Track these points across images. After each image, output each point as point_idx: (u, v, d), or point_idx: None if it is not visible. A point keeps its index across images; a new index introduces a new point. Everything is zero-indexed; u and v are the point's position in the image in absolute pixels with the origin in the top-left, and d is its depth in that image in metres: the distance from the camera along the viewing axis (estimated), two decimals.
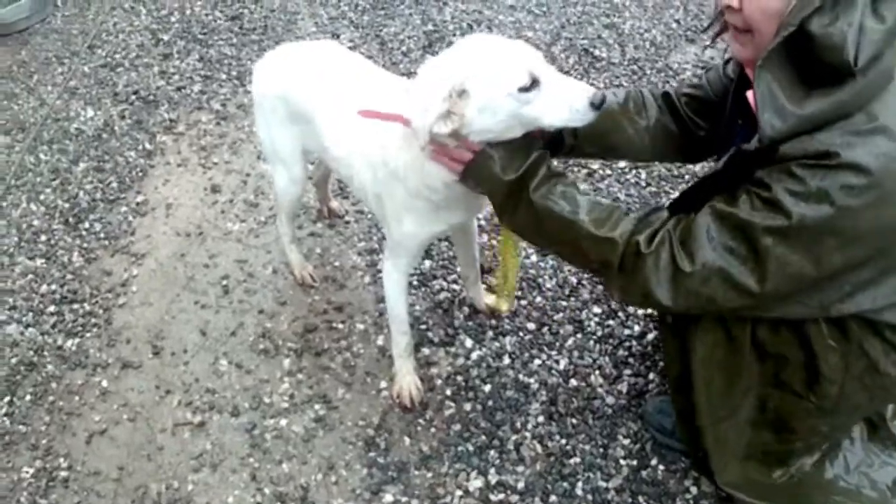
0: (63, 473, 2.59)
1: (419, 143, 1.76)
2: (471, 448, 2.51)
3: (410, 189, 2.02)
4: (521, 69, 1.67)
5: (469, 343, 2.84)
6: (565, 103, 1.69)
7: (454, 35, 4.68)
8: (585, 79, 4.10)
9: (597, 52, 4.46)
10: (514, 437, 2.53)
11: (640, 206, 3.37)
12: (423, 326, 2.90)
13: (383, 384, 2.72)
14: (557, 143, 2.11)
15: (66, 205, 3.70)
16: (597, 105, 1.68)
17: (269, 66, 2.58)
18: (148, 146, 4.03)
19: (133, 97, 4.44)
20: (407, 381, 2.62)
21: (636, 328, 2.87)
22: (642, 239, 1.65)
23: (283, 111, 2.51)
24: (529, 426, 2.56)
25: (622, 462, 2.43)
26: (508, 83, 1.67)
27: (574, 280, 3.08)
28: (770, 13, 1.51)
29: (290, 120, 2.51)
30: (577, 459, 2.46)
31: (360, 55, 2.56)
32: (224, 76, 4.56)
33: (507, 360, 2.78)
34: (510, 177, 1.77)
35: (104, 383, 2.84)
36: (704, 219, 1.62)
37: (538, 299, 3.00)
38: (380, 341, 2.88)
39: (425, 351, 2.82)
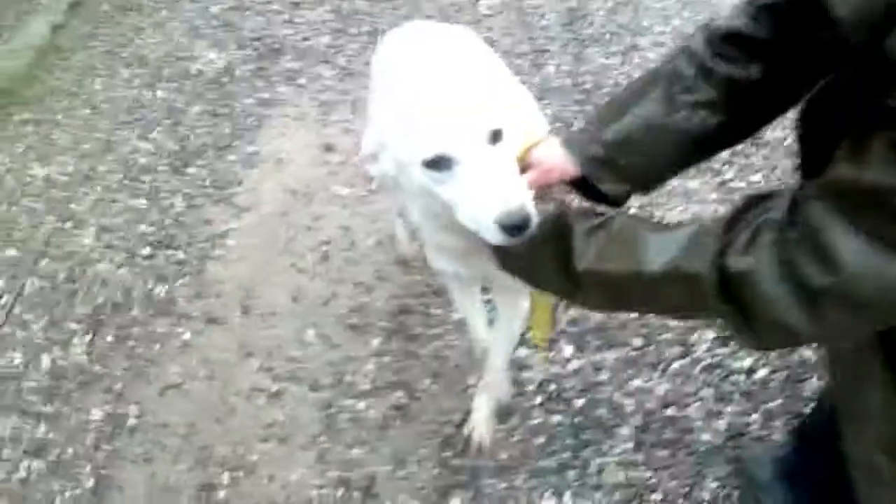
0: (132, 421, 2.73)
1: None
2: (551, 464, 2.47)
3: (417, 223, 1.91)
4: (431, 140, 1.42)
5: (569, 351, 2.80)
6: (474, 210, 1.40)
7: (598, 12, 4.59)
8: None
9: None
10: (597, 461, 2.48)
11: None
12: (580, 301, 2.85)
13: (471, 381, 2.71)
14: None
15: (176, 147, 3.89)
16: (508, 228, 1.34)
17: (388, 42, 2.61)
18: (266, 96, 4.17)
19: (257, 43, 4.61)
20: (474, 419, 2.57)
21: (747, 362, 2.73)
22: (733, 251, 1.17)
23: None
24: (616, 451, 2.50)
25: None
26: (413, 153, 1.45)
27: None
28: None
29: None
30: (659, 496, 2.39)
31: (490, 51, 2.52)
32: (354, 31, 4.66)
33: (605, 376, 2.72)
34: (543, 252, 1.45)
35: (187, 336, 2.98)
36: (824, 196, 1.10)
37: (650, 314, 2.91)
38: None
39: (521, 352, 2.78)
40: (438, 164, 1.41)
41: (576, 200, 1.66)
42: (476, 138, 1.41)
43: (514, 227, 1.34)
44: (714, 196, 3.26)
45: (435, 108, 1.47)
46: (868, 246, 1.02)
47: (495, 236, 1.37)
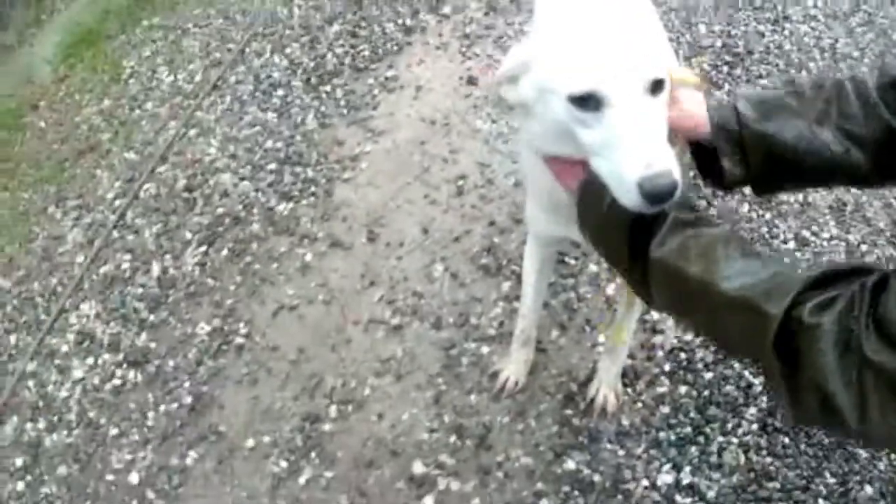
0: (239, 340, 2.68)
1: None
2: (672, 437, 2.36)
3: (527, 169, 1.84)
4: (584, 74, 1.30)
5: None
6: (615, 163, 1.29)
7: None
8: (879, 62, 3.64)
9: (895, 37, 3.95)
10: (720, 439, 2.35)
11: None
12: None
13: (601, 339, 2.58)
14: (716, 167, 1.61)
15: (312, 63, 3.83)
16: (649, 195, 1.24)
17: None
18: (409, 22, 4.08)
19: None
20: (510, 369, 2.49)
21: None
22: (810, 306, 1.12)
23: None
24: (740, 432, 2.37)
25: (821, 502, 2.23)
26: (561, 82, 1.33)
27: None
28: None
29: None
30: (777, 485, 2.25)
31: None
32: None
33: None
34: (622, 218, 1.35)
35: (308, 257, 2.91)
36: None
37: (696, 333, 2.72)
38: (610, 290, 2.73)
39: (654, 315, 2.64)
40: (587, 102, 1.29)
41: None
42: (636, 83, 1.30)
43: (657, 193, 1.23)
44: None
45: (598, 39, 1.34)
46: None
47: (633, 200, 1.26)
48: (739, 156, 1.53)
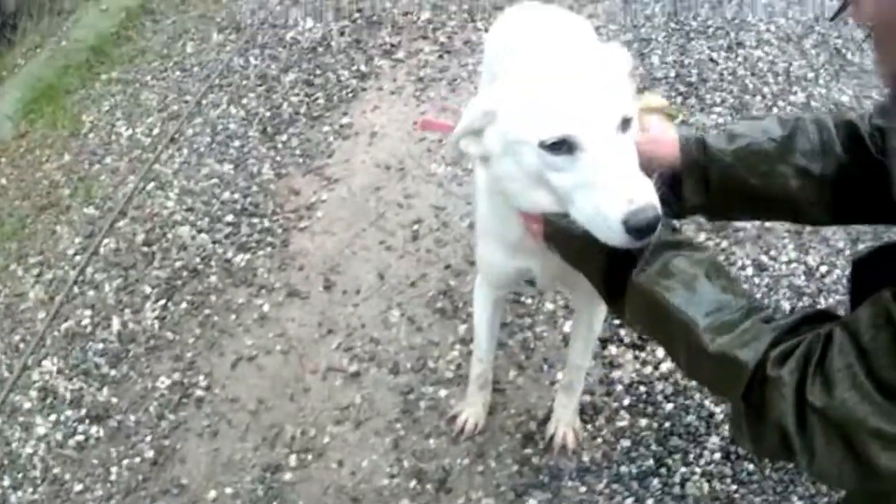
0: (199, 392, 2.69)
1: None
2: (634, 471, 2.36)
3: (484, 213, 1.84)
4: (554, 121, 1.29)
5: (662, 352, 2.64)
6: (595, 205, 1.27)
7: (702, 6, 4.43)
8: (834, 83, 3.72)
9: (849, 56, 4.05)
10: (682, 470, 2.35)
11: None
12: (617, 321, 2.74)
13: (559, 376, 2.58)
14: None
15: (268, 113, 3.87)
16: (634, 230, 1.22)
17: (509, 20, 2.53)
18: (363, 68, 4.13)
19: (357, 15, 4.58)
20: (469, 411, 2.48)
21: None
22: (773, 357, 1.18)
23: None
24: (702, 461, 2.37)
25: None
26: (531, 130, 1.32)
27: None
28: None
29: None
30: None
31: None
32: (455, 8, 4.57)
33: None
34: (598, 250, 1.34)
35: (265, 307, 2.92)
36: (849, 326, 1.14)
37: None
38: (566, 328, 2.74)
39: (612, 350, 2.67)
40: (559, 147, 1.29)
41: None
42: (606, 123, 1.30)
43: (642, 228, 1.22)
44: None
45: (562, 84, 1.34)
46: (858, 388, 1.09)
47: (618, 238, 1.25)
48: (703, 185, 1.57)
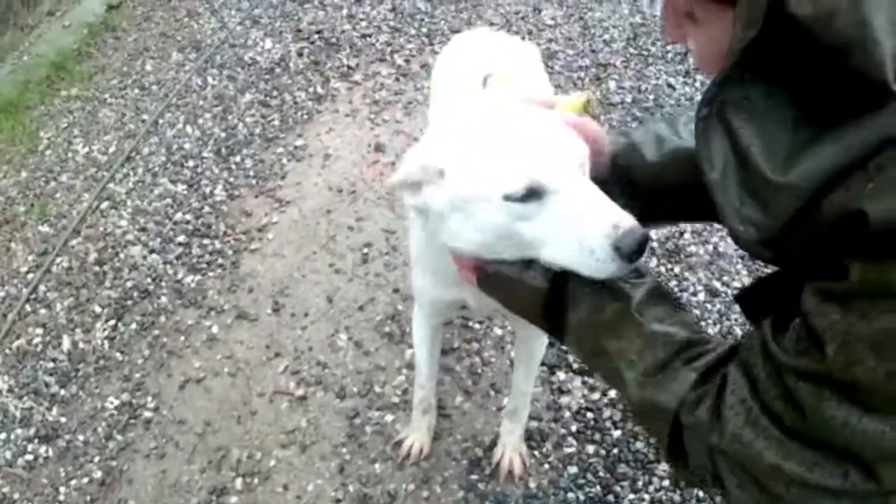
0: (147, 414, 2.67)
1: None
2: (581, 498, 2.37)
3: (417, 244, 1.83)
4: (518, 169, 1.24)
5: None
6: (577, 241, 1.21)
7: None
8: None
9: None
10: (631, 497, 2.37)
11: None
12: (565, 348, 2.76)
13: (506, 401, 2.60)
14: None
15: (223, 134, 3.86)
16: (626, 255, 1.18)
17: (455, 50, 2.55)
18: (320, 90, 4.14)
19: (315, 37, 4.60)
20: (414, 436, 2.49)
21: None
22: (688, 404, 1.14)
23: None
24: (651, 489, 2.39)
25: None
26: (492, 186, 1.25)
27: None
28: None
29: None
30: None
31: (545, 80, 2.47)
32: (413, 31, 4.63)
33: None
34: (539, 284, 1.29)
35: (214, 329, 2.92)
36: (742, 359, 1.11)
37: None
38: (514, 353, 2.77)
39: (560, 376, 2.69)
40: (527, 197, 1.23)
41: None
42: (571, 163, 1.28)
43: (634, 250, 1.18)
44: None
45: (516, 135, 1.30)
46: (753, 424, 1.04)
47: (608, 267, 1.20)
48: (630, 190, 1.49)
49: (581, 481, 2.42)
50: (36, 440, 2.71)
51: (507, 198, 1.23)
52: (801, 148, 0.92)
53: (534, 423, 2.53)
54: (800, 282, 1.00)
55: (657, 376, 1.17)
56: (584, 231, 1.20)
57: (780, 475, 1.01)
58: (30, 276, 3.28)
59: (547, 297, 1.28)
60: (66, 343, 2.97)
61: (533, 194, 1.23)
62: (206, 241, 3.26)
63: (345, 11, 4.84)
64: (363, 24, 4.71)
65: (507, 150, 1.28)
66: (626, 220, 1.19)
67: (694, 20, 1.07)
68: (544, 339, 2.17)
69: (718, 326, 2.79)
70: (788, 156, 0.93)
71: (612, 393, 2.63)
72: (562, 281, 1.27)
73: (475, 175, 1.28)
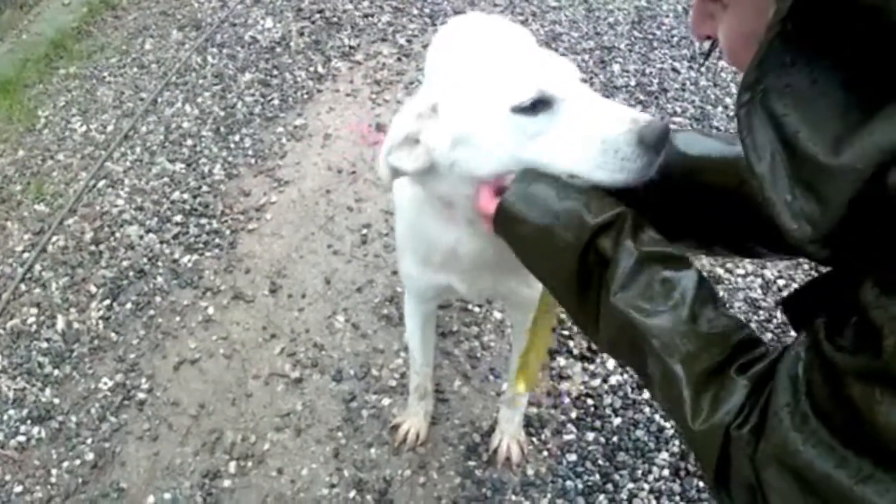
0: (141, 395, 2.59)
1: (382, 180, 1.36)
2: (580, 486, 2.31)
3: (403, 230, 1.76)
4: (524, 80, 1.18)
5: (612, 364, 2.61)
6: (599, 138, 1.13)
7: (666, 16, 4.39)
8: None
9: None
10: (630, 486, 2.31)
11: None
12: (566, 332, 2.68)
13: (504, 386, 2.52)
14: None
15: (222, 113, 3.76)
16: (654, 143, 1.10)
17: (442, 34, 2.47)
18: (321, 69, 4.04)
19: (317, 16, 4.49)
20: (411, 421, 2.43)
21: None
22: (738, 421, 1.02)
23: None
24: (651, 478, 2.33)
25: None
26: (499, 100, 1.19)
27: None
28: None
29: None
30: None
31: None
32: (416, 11, 4.53)
33: (646, 394, 2.52)
34: (573, 243, 1.10)
35: (210, 310, 2.83)
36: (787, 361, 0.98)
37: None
38: (512, 338, 2.69)
39: (560, 361, 2.62)
40: (536, 107, 1.16)
41: None
42: (572, 74, 1.24)
43: (660, 138, 1.11)
44: None
45: (522, 53, 1.30)
46: (799, 424, 0.92)
47: (634, 165, 1.11)
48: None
49: (580, 469, 2.36)
50: (28, 421, 2.63)
51: (516, 109, 1.17)
52: (853, 129, 0.80)
53: (533, 410, 2.46)
54: (856, 281, 0.88)
55: (708, 387, 1.04)
56: (605, 131, 1.13)
57: (829, 485, 0.89)
58: (25, 255, 3.19)
59: (585, 249, 1.10)
60: (60, 323, 2.88)
61: (541, 104, 1.17)
62: (203, 221, 3.17)
63: None
64: (365, 3, 4.60)
65: (507, 66, 1.25)
66: (643, 115, 1.13)
67: (723, 4, 0.98)
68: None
69: None
70: (838, 138, 0.81)
71: (613, 380, 2.56)
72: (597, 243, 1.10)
73: (479, 95, 1.23)
